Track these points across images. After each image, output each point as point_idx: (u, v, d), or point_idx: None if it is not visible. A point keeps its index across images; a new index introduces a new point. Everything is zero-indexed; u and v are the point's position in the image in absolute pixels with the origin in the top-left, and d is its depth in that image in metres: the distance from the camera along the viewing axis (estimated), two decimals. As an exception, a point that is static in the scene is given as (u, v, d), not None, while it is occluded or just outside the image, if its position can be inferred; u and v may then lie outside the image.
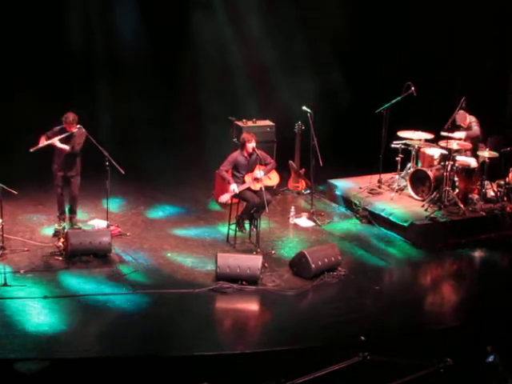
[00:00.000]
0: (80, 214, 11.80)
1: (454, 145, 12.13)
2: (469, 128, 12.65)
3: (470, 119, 12.66)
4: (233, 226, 11.50)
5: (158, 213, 12.58)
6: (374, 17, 15.29)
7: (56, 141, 10.99)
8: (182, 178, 13.94)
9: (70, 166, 11.23)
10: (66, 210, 11.51)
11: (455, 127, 12.57)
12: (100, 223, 11.58)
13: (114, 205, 12.23)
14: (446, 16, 14.76)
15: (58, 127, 11.11)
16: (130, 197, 12.99)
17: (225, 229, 11.61)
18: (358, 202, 12.69)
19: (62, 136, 11.02)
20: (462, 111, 12.53)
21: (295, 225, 12.31)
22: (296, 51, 15.55)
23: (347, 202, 12.99)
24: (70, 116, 11.07)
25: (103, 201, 11.41)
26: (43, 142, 10.93)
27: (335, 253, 10.73)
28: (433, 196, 12.23)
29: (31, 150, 10.89)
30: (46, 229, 11.53)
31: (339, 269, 10.69)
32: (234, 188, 11.15)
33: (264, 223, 11.42)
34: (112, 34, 14.76)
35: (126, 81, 14.99)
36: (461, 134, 12.38)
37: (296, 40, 15.42)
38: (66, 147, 11.04)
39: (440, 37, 14.84)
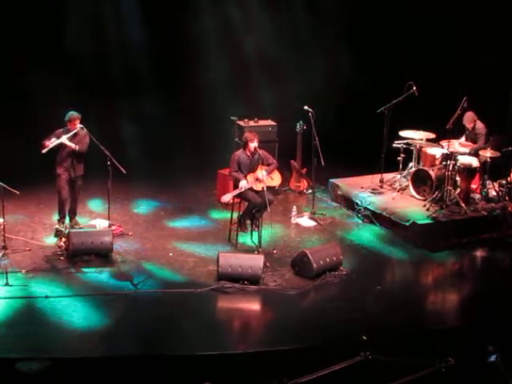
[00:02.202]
0: (81, 214, 11.80)
1: (456, 145, 12.15)
2: (474, 134, 12.64)
3: (478, 125, 12.63)
4: (234, 226, 11.50)
5: (160, 212, 12.58)
6: (375, 16, 15.29)
7: (65, 139, 10.98)
8: (183, 177, 13.94)
9: (76, 168, 11.19)
10: (67, 212, 11.46)
11: (457, 127, 12.57)
12: (102, 223, 11.59)
13: (115, 204, 12.23)
14: (447, 14, 14.77)
15: (59, 130, 11.09)
16: (132, 196, 13.00)
17: (226, 228, 11.61)
18: (359, 202, 12.69)
19: (70, 135, 11.02)
20: (471, 113, 12.51)
21: (297, 224, 12.32)
22: (298, 49, 15.59)
23: (349, 202, 12.99)
24: (73, 114, 11.09)
25: (105, 200, 11.40)
26: (52, 142, 10.88)
27: (337, 252, 10.73)
28: (434, 195, 12.23)
29: (43, 152, 10.84)
30: (48, 228, 11.52)
31: (341, 268, 10.69)
32: (243, 184, 11.14)
33: (266, 223, 11.40)
34: (112, 32, 14.79)
35: (126, 80, 15.02)
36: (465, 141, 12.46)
37: (298, 38, 15.48)
38: (75, 146, 11.02)
39: (442, 35, 14.84)
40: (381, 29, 15.13)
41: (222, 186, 12.83)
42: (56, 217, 11.50)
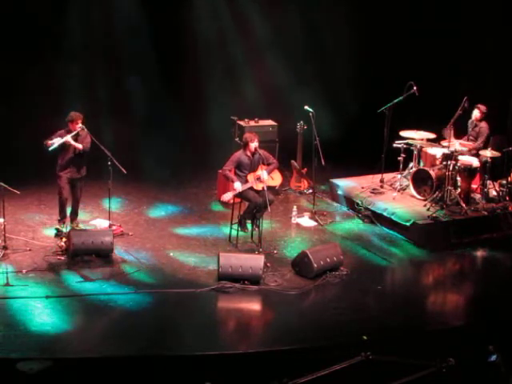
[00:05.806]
0: (82, 214, 11.80)
1: (456, 145, 12.16)
2: (476, 132, 12.63)
3: (482, 124, 12.61)
4: (235, 226, 11.50)
5: (161, 212, 12.58)
6: (376, 17, 15.29)
7: (69, 138, 10.92)
8: (184, 177, 13.96)
9: (77, 169, 11.15)
10: (68, 213, 11.42)
11: (461, 125, 12.59)
12: (102, 223, 11.59)
13: (116, 204, 12.25)
14: (447, 13, 14.77)
15: (61, 130, 11.03)
16: (132, 197, 13.01)
17: (227, 228, 11.62)
18: (360, 202, 12.69)
19: (72, 134, 10.96)
20: (485, 107, 12.49)
21: (297, 224, 12.32)
22: (299, 51, 15.61)
23: (349, 202, 12.99)
24: (74, 115, 11.05)
25: (105, 200, 11.40)
26: (56, 140, 10.79)
27: (337, 252, 10.73)
28: (435, 195, 12.23)
29: (50, 149, 10.73)
30: (49, 228, 11.52)
31: (341, 268, 10.69)
32: (238, 187, 11.14)
33: (266, 223, 11.40)
34: (111, 31, 14.80)
35: (126, 80, 15.02)
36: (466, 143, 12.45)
37: (299, 40, 15.50)
38: (79, 146, 10.98)
39: (443, 35, 14.84)
40: (381, 29, 15.13)
41: (222, 186, 12.82)
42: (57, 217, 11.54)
